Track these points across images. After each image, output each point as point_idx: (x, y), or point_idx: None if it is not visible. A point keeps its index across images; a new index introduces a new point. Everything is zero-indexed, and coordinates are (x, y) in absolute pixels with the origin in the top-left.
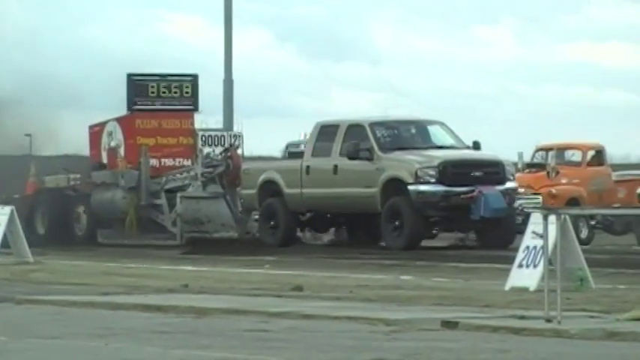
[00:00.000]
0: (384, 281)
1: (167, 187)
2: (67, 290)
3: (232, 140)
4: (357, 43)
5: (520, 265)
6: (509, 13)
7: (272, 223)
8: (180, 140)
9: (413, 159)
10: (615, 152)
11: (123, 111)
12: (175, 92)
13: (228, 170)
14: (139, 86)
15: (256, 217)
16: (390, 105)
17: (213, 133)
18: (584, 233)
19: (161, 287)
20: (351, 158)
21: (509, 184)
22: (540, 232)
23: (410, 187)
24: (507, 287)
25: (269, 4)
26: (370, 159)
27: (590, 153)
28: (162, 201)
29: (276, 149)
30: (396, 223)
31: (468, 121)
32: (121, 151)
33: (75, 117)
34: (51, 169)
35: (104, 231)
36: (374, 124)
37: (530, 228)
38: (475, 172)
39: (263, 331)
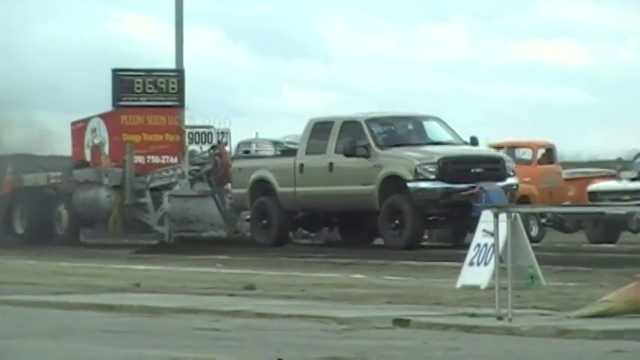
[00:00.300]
0: (336, 280)
1: (152, 185)
2: (20, 290)
3: (220, 137)
4: (309, 41)
5: (471, 263)
6: (459, 12)
7: (264, 222)
8: (166, 137)
9: (412, 155)
10: (566, 150)
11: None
12: (161, 88)
13: (216, 168)
14: (124, 82)
15: (247, 216)
16: (339, 103)
17: (200, 130)
18: (534, 231)
19: (113, 287)
20: (347, 155)
21: (510, 180)
22: (491, 230)
23: (409, 185)
24: (458, 285)
25: (220, 3)
26: (367, 156)
27: (541, 151)
28: (148, 200)
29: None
30: (396, 221)
31: None
32: (105, 148)
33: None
34: (29, 168)
35: (87, 230)
36: (370, 121)
37: (481, 226)
38: (475, 168)
39: (215, 330)
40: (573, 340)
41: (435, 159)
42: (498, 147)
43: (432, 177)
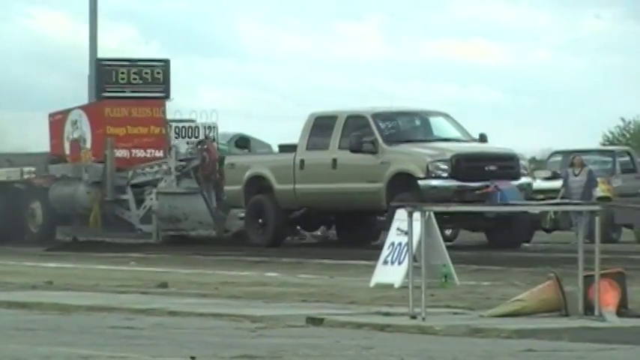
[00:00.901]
0: (249, 278)
1: (135, 181)
2: None
3: (207, 132)
4: (224, 39)
5: (385, 262)
6: (374, 10)
7: (260, 221)
8: (151, 130)
9: (423, 152)
10: None
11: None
12: (146, 79)
13: (204, 164)
14: (107, 72)
15: (242, 215)
16: (255, 101)
17: (187, 125)
18: (448, 230)
19: (25, 284)
20: (353, 151)
21: (524, 179)
22: (405, 229)
23: (420, 182)
24: (372, 284)
25: (135, 0)
26: (374, 152)
27: None
28: (129, 196)
29: None
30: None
31: None
32: (87, 142)
33: None
34: None
35: (65, 228)
36: (376, 115)
37: (395, 224)
38: (489, 165)
39: (128, 328)
40: (486, 339)
41: (448, 156)
42: None
43: (444, 174)
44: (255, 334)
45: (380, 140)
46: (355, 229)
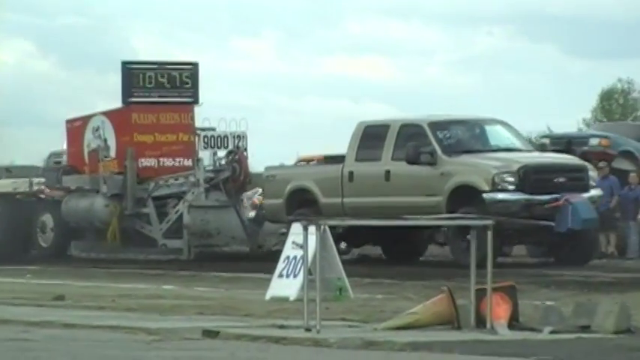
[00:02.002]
0: (146, 291)
1: (156, 194)
2: None
3: (237, 141)
4: (121, 54)
5: (280, 275)
6: (270, 27)
7: None
8: (180, 137)
9: (488, 163)
10: None
11: None
12: (174, 83)
13: (234, 175)
14: (134, 76)
15: (283, 230)
16: None
17: (215, 134)
18: (342, 244)
19: None
20: (410, 162)
21: (594, 191)
22: (300, 243)
23: (485, 196)
24: (268, 297)
25: (32, 15)
26: (433, 163)
27: None
28: (151, 210)
29: (40, 159)
30: (468, 236)
31: None
32: (111, 151)
33: None
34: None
35: (80, 243)
36: (433, 124)
37: (290, 238)
38: (559, 177)
39: (23, 340)
40: (380, 352)
41: (515, 167)
42: (308, 160)
43: (511, 187)
44: (151, 346)
45: (439, 151)
46: (401, 244)
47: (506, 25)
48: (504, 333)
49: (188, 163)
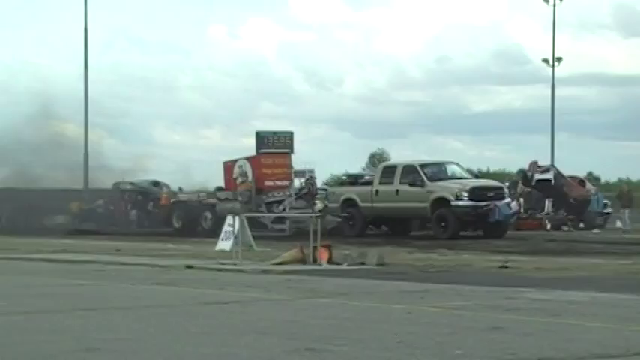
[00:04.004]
0: (168, 248)
1: (267, 200)
2: None
3: (310, 173)
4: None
5: (222, 239)
6: None
7: (351, 223)
8: (284, 170)
9: (453, 186)
10: None
11: None
12: (282, 142)
13: (309, 192)
14: (262, 138)
15: (339, 219)
16: None
17: (298, 169)
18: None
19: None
20: (411, 185)
21: (507, 200)
22: (232, 224)
23: (452, 203)
24: (216, 249)
25: None
26: (422, 186)
27: None
28: (264, 209)
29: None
30: (442, 224)
31: None
32: (249, 177)
33: None
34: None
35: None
36: (421, 165)
37: (227, 222)
38: (490, 193)
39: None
40: (271, 275)
41: (468, 187)
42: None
43: (466, 198)
44: (161, 272)
45: (425, 180)
46: (399, 226)
47: None
48: (325, 266)
49: (286, 183)
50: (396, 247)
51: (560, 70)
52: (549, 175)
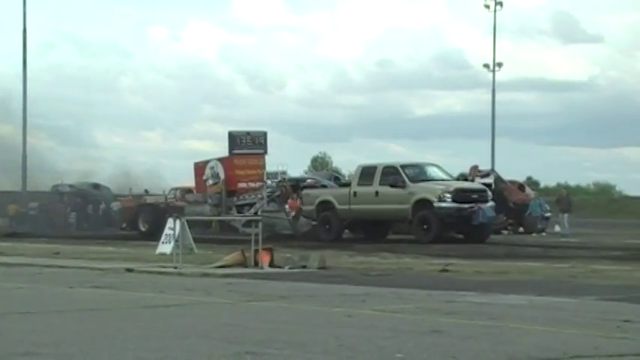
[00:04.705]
0: (107, 252)
1: (238, 203)
2: None
3: (282, 176)
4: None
5: (163, 242)
6: None
7: (327, 226)
8: (257, 171)
9: (436, 187)
10: None
11: None
12: (255, 142)
13: (281, 194)
14: (234, 139)
15: (314, 223)
16: None
17: (271, 170)
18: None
19: None
20: (391, 186)
21: (490, 203)
22: (172, 227)
23: (435, 204)
24: (157, 252)
25: None
26: (403, 187)
27: None
28: (234, 212)
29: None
30: (424, 226)
31: None
32: (221, 179)
33: None
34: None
35: (194, 230)
36: (403, 166)
37: (168, 225)
38: (474, 195)
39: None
40: (210, 278)
41: (451, 189)
42: (179, 188)
43: (449, 199)
44: (100, 275)
45: (407, 180)
46: (375, 230)
47: None
48: (267, 269)
49: (260, 184)
50: (338, 251)
51: (501, 75)
52: (490, 180)
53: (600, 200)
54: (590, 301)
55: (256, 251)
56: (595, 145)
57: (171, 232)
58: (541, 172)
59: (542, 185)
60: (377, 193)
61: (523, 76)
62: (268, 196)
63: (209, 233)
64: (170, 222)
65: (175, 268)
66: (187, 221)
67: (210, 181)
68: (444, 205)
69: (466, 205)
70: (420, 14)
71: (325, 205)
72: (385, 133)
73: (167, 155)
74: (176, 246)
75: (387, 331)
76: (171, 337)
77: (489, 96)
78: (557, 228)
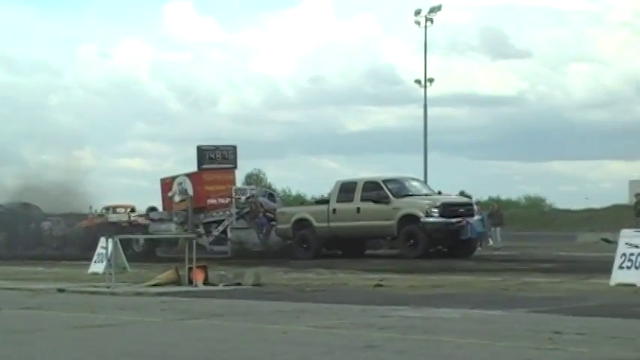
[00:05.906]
0: (40, 272)
1: (205, 220)
2: None
3: (252, 192)
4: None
5: (95, 261)
6: None
7: (305, 245)
8: (227, 187)
9: (422, 202)
10: None
11: None
12: (224, 157)
13: (251, 210)
14: (203, 153)
15: (289, 242)
16: None
17: (239, 188)
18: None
19: None
20: (375, 202)
21: (477, 216)
22: (104, 246)
23: (422, 220)
24: (89, 272)
25: None
26: (387, 203)
27: None
28: (202, 230)
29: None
30: (411, 241)
31: None
32: (183, 197)
33: None
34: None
35: (160, 248)
36: (385, 181)
37: (100, 245)
38: (460, 209)
39: None
40: (144, 297)
41: (438, 203)
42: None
43: (437, 214)
44: (31, 296)
45: (390, 195)
46: (356, 248)
47: None
48: (201, 287)
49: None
50: (273, 267)
51: (432, 90)
52: None
53: (531, 213)
54: (521, 314)
55: (190, 269)
56: (525, 159)
57: (104, 251)
58: (473, 186)
59: (474, 199)
60: (358, 209)
61: (454, 92)
62: (237, 213)
63: (174, 252)
64: (102, 241)
65: (108, 287)
66: (154, 240)
67: (177, 198)
68: (431, 220)
69: (454, 220)
70: (351, 30)
71: (302, 222)
72: (319, 149)
73: (98, 173)
74: (108, 265)
75: (322, 347)
76: (104, 357)
77: (421, 111)
78: (490, 241)
